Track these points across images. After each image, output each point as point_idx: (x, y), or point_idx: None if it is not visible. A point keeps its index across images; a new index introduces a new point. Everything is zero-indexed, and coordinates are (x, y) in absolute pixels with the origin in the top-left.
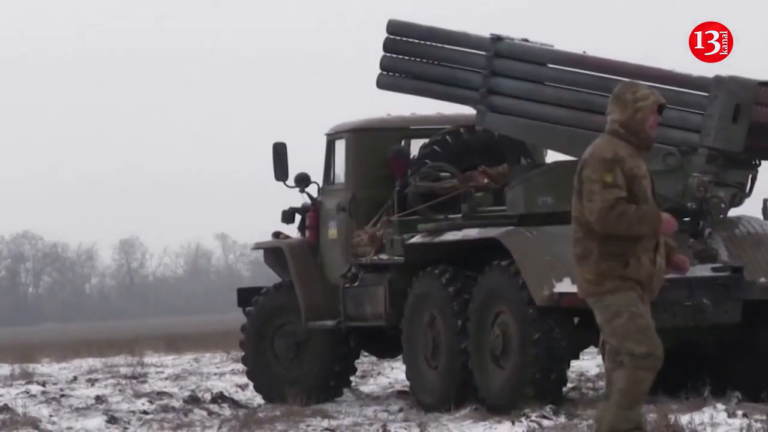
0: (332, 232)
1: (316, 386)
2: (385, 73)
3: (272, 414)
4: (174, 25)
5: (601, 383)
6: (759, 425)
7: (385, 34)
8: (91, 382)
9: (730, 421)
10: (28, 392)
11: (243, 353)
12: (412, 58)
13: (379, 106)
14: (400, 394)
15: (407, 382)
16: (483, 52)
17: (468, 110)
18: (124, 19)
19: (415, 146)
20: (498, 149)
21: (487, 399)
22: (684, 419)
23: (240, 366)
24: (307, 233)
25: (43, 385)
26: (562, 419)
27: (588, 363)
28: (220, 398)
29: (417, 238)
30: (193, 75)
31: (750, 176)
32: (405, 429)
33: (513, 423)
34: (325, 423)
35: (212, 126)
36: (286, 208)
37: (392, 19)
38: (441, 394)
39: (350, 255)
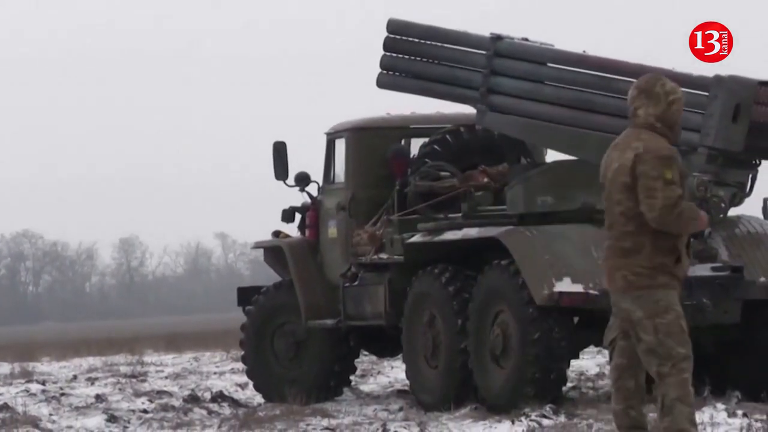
0: (332, 231)
1: (315, 385)
2: (385, 72)
3: (272, 413)
4: (174, 25)
5: (601, 382)
6: (759, 425)
7: (385, 34)
8: (91, 381)
9: (730, 420)
10: (28, 391)
11: (243, 352)
12: (412, 58)
13: (378, 105)
14: (400, 393)
15: (407, 382)
16: (483, 52)
17: (468, 109)
18: (124, 18)
19: (415, 145)
20: (498, 148)
21: (486, 398)
22: None
23: (240, 365)
24: (307, 232)
25: (43, 383)
26: (562, 419)
27: (588, 362)
28: (219, 397)
29: (417, 238)
30: (193, 75)
31: (750, 176)
32: (405, 428)
33: (513, 422)
34: (325, 422)
35: (212, 126)
36: (286, 207)
37: (392, 18)
38: (441, 394)
39: (350, 254)
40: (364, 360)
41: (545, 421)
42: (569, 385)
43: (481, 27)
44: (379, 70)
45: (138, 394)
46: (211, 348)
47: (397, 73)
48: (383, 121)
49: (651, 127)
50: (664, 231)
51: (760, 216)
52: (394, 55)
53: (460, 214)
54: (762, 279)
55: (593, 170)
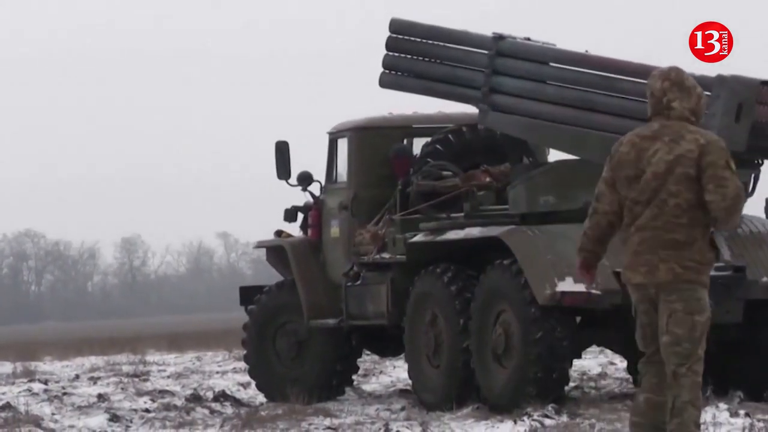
0: (334, 230)
1: (318, 385)
2: (387, 71)
3: (274, 413)
4: (174, 25)
5: (603, 382)
6: (761, 425)
7: (387, 33)
8: (93, 380)
9: (733, 420)
10: (30, 390)
11: (245, 352)
12: (415, 57)
13: (379, 105)
14: (402, 392)
15: (409, 381)
16: (485, 51)
17: (470, 109)
18: (124, 18)
19: (418, 145)
20: (500, 148)
21: (489, 398)
22: None
23: (242, 364)
24: (310, 232)
25: (45, 383)
26: (564, 418)
27: (590, 362)
28: (222, 397)
29: (419, 237)
30: (193, 75)
31: (752, 175)
32: (407, 428)
33: (515, 422)
34: (327, 422)
35: (213, 125)
36: (289, 206)
37: (395, 18)
38: (443, 393)
39: (352, 254)
40: (366, 359)
41: (547, 421)
42: (571, 384)
43: (482, 27)
44: (381, 69)
45: (140, 394)
46: (214, 347)
47: (400, 73)
48: (385, 120)
49: (688, 121)
50: (710, 225)
51: (763, 216)
52: (397, 54)
53: (462, 214)
54: (764, 279)
55: (595, 170)
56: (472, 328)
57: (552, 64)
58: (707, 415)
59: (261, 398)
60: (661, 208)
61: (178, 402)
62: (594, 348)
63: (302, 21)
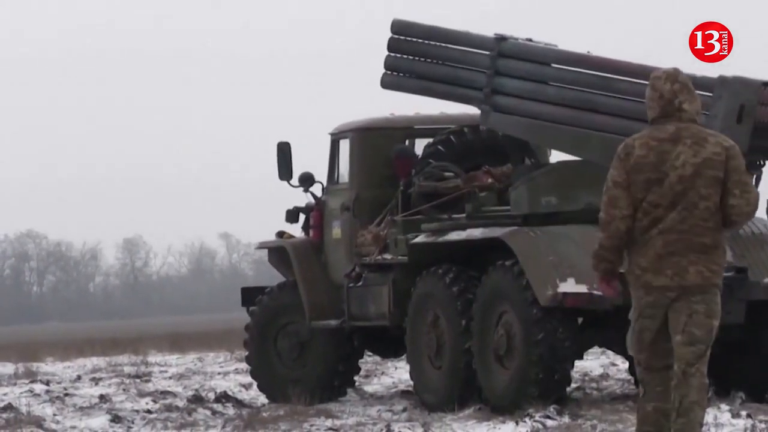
0: (336, 231)
1: (319, 386)
2: (389, 72)
3: (276, 413)
4: (174, 25)
5: (605, 383)
6: (763, 426)
7: (387, 33)
8: (95, 381)
9: (734, 421)
10: (31, 391)
11: (247, 353)
12: (416, 58)
13: (379, 105)
14: (404, 393)
15: (411, 382)
16: (487, 52)
17: (472, 110)
18: (124, 18)
19: (419, 146)
20: (502, 149)
21: (490, 399)
22: None
23: (244, 365)
24: (311, 233)
25: (47, 384)
26: (566, 419)
27: (592, 363)
28: (223, 397)
29: (421, 238)
30: (193, 75)
31: (754, 176)
32: (409, 429)
33: (516, 423)
34: (329, 423)
35: (214, 125)
36: (290, 207)
37: (396, 19)
38: (444, 394)
39: (354, 255)
40: (368, 360)
41: (549, 422)
42: (573, 385)
43: (481, 27)
44: (383, 70)
45: (142, 395)
46: (215, 348)
47: (402, 74)
48: (387, 121)
49: (695, 122)
50: (736, 227)
51: (765, 217)
52: (398, 55)
53: (464, 215)
54: (766, 280)
55: (597, 170)
56: (474, 329)
57: (554, 65)
58: (709, 416)
59: (263, 399)
60: (690, 211)
61: (180, 403)
62: (596, 349)
63: (302, 21)
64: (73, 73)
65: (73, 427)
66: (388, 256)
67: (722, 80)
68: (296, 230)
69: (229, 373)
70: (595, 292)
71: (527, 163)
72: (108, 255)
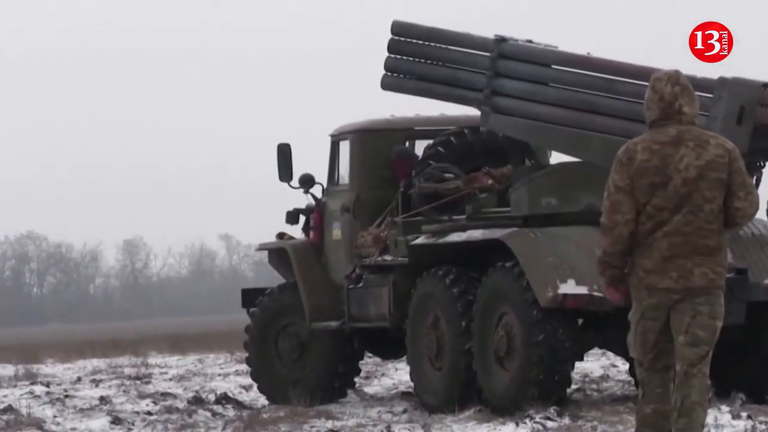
0: (336, 233)
1: (319, 387)
2: (389, 74)
3: (276, 415)
4: (174, 25)
5: (606, 384)
6: (763, 427)
7: (387, 34)
8: (96, 382)
9: (735, 422)
10: (32, 393)
11: (247, 354)
12: (417, 60)
13: (379, 105)
14: (404, 395)
15: (411, 383)
16: (487, 54)
17: (472, 111)
18: (124, 18)
19: (420, 147)
20: (502, 150)
21: (491, 400)
22: None
23: (244, 367)
24: (311, 234)
25: (47, 385)
26: (566, 421)
27: (592, 364)
28: (224, 399)
29: (421, 239)
30: (193, 75)
31: (754, 178)
32: (409, 430)
33: (517, 424)
34: (329, 424)
35: (214, 126)
36: (291, 208)
37: (396, 20)
38: (445, 395)
39: (354, 256)
40: (368, 362)
41: (549, 423)
42: (573, 387)
43: (481, 28)
44: (383, 71)
45: (142, 396)
46: (215, 350)
47: (402, 75)
48: (387, 123)
49: (695, 125)
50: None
51: (765, 218)
52: (399, 56)
53: (464, 216)
54: (766, 281)
55: (597, 172)
56: (474, 330)
57: (554, 66)
58: (709, 417)
59: (263, 400)
60: (695, 213)
61: (180, 404)
62: (596, 350)
63: (302, 21)
64: (73, 73)
65: (74, 429)
66: (388, 258)
67: (722, 81)
68: (296, 231)
69: (229, 375)
70: (596, 293)
71: (527, 164)
72: (108, 256)
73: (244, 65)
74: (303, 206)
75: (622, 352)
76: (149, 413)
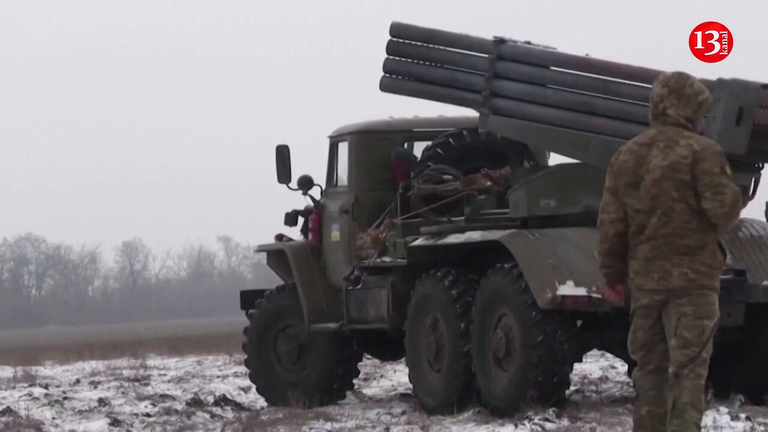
0: (335, 234)
1: (318, 389)
2: (388, 75)
3: (275, 417)
4: (174, 25)
5: (604, 386)
6: (762, 428)
7: (386, 36)
8: (94, 384)
9: (734, 424)
10: (30, 395)
11: (246, 356)
12: (415, 61)
13: (378, 106)
14: (403, 396)
15: (410, 385)
16: (486, 55)
17: (471, 113)
18: (124, 18)
19: (418, 149)
20: (501, 152)
21: (489, 402)
22: None
23: (243, 369)
24: (310, 236)
25: (46, 387)
26: (565, 422)
27: (591, 365)
28: (222, 401)
29: (420, 241)
30: (193, 75)
31: (753, 179)
32: None
33: (516, 426)
34: (328, 426)
35: (214, 127)
36: (289, 210)
37: (395, 22)
38: (444, 397)
39: (353, 257)
40: (367, 363)
41: (548, 425)
42: (572, 388)
43: (480, 30)
44: (382, 73)
45: (141, 398)
46: (214, 351)
47: (400, 77)
48: (386, 124)
49: (683, 127)
50: (719, 229)
51: (763, 219)
52: (397, 58)
53: (463, 218)
54: (765, 282)
55: (596, 173)
56: (473, 331)
57: (553, 67)
58: (708, 418)
59: (262, 402)
60: (668, 214)
61: (179, 406)
62: (595, 351)
63: (302, 21)
64: (73, 73)
65: (72, 431)
66: (387, 259)
67: (721, 82)
68: (295, 233)
69: (228, 377)
70: (594, 294)
71: (526, 165)
72: (107, 258)
73: (244, 65)
74: (302, 208)
75: (621, 353)
76: (148, 415)
